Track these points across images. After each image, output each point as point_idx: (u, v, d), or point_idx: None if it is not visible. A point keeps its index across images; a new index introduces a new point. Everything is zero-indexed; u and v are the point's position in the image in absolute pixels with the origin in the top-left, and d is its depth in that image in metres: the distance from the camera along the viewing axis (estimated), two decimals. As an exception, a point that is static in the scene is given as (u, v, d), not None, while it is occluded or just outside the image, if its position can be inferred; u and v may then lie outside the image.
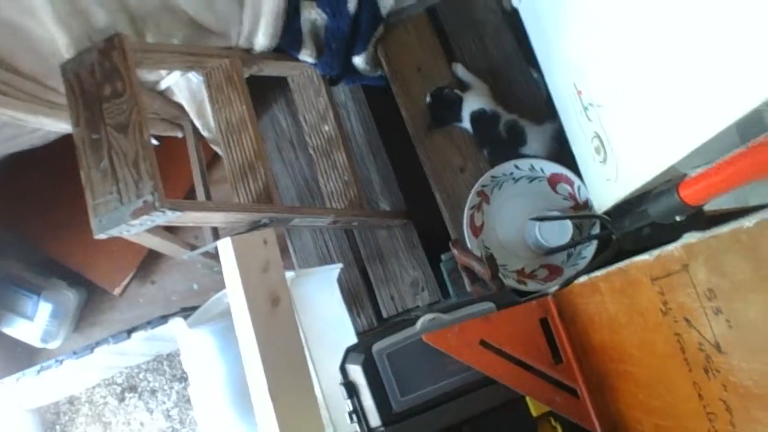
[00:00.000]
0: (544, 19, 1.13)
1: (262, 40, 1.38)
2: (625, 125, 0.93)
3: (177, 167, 1.77)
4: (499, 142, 1.43)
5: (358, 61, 1.52)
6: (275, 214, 1.27)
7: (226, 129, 1.36)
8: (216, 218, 1.22)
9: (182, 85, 1.49)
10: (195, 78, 1.45)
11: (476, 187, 1.40)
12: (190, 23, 1.30)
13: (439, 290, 1.59)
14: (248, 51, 1.42)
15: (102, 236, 1.13)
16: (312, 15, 1.42)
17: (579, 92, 1.06)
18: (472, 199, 1.40)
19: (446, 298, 1.60)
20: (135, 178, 1.11)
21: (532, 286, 1.36)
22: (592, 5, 0.90)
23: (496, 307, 0.99)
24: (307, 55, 1.46)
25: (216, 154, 1.77)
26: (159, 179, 1.10)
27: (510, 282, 1.37)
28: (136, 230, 1.15)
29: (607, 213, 1.14)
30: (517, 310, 0.96)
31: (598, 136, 1.04)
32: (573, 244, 1.05)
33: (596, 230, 1.35)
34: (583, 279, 0.85)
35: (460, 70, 1.51)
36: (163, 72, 1.41)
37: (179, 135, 1.71)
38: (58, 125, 1.34)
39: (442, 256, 1.59)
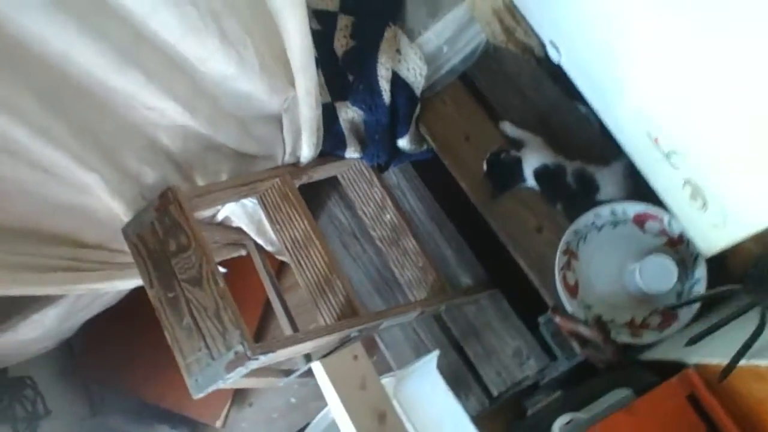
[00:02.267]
0: (598, 70, 1.06)
1: (306, 152, 1.36)
2: (725, 170, 0.85)
3: (247, 283, 1.75)
4: (571, 195, 1.35)
5: (403, 143, 1.49)
6: (363, 325, 1.22)
7: (293, 247, 1.33)
8: (307, 347, 1.17)
9: (238, 211, 1.48)
10: (250, 202, 1.43)
11: (561, 245, 1.32)
12: (235, 156, 1.29)
13: (544, 355, 1.49)
14: (295, 165, 1.40)
15: (201, 395, 1.10)
16: (349, 114, 1.40)
17: (655, 140, 0.99)
18: (559, 259, 1.32)
19: (553, 361, 1.50)
20: (220, 330, 1.08)
21: (648, 337, 1.26)
22: (666, 56, 0.83)
23: (633, 393, 0.91)
24: (352, 152, 1.44)
25: (283, 262, 1.75)
26: (244, 327, 1.07)
27: (623, 338, 1.27)
28: (233, 380, 1.11)
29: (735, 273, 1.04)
30: (660, 393, 0.88)
31: (690, 182, 0.96)
32: (700, 298, 0.93)
33: (702, 267, 1.24)
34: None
35: (508, 128, 1.46)
36: (219, 205, 1.40)
37: (243, 254, 1.70)
38: (131, 282, 1.34)
39: (540, 319, 1.50)
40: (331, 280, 1.26)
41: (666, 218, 1.29)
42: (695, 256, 1.27)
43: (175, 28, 0.99)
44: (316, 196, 1.70)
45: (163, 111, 1.12)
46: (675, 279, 1.23)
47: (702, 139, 0.86)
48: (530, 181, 1.38)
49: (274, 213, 1.36)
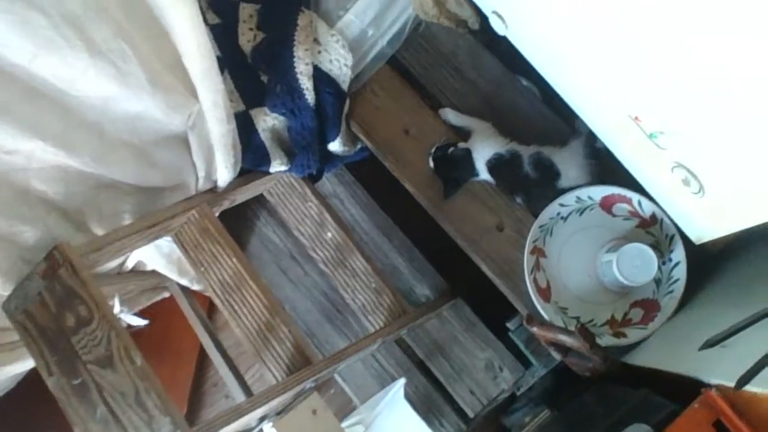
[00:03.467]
0: (558, 40, 0.90)
1: (224, 175, 1.14)
2: (728, 152, 0.71)
3: (176, 326, 1.51)
4: (530, 184, 1.20)
5: (335, 146, 1.29)
6: (318, 374, 1.03)
7: (222, 291, 1.12)
8: (258, 413, 0.98)
9: (151, 254, 1.24)
10: (164, 241, 1.20)
11: (527, 245, 1.18)
12: (136, 192, 1.06)
13: (518, 363, 1.36)
14: (212, 190, 1.18)
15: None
16: (269, 122, 1.19)
17: (635, 118, 0.84)
18: (527, 260, 1.17)
19: (528, 368, 1.37)
20: (145, 419, 0.87)
21: (633, 335, 1.14)
22: (654, 28, 0.67)
23: (653, 430, 0.78)
24: (278, 165, 1.22)
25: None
26: (175, 410, 0.87)
27: (606, 340, 1.14)
28: (172, 475, 0.90)
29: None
30: (683, 425, 0.75)
31: (682, 166, 0.82)
32: (743, 326, 0.77)
33: (680, 248, 1.13)
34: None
35: (451, 115, 1.28)
36: (126, 253, 1.16)
37: (166, 295, 1.46)
38: (27, 364, 1.09)
39: (509, 325, 1.36)
40: (274, 326, 1.06)
41: (635, 198, 1.16)
42: (671, 237, 1.15)
43: (22, 44, 0.74)
44: (242, 218, 1.48)
45: (29, 153, 0.88)
46: (655, 267, 1.11)
47: (700, 114, 0.72)
48: (483, 174, 1.22)
49: (195, 253, 1.14)
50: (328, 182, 1.45)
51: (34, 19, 0.73)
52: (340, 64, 1.17)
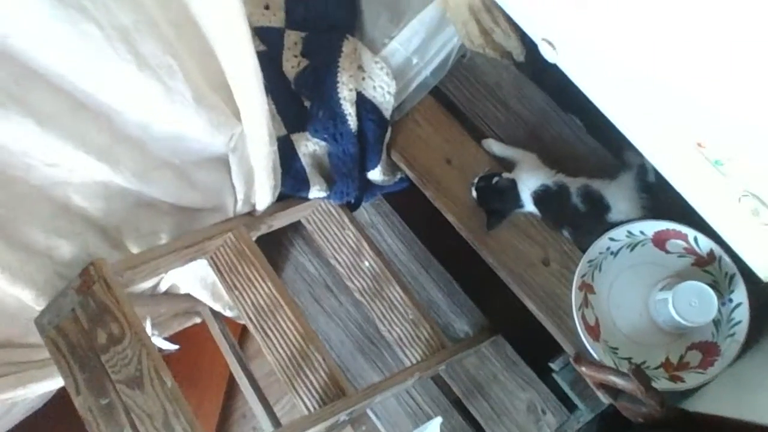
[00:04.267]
0: (617, 67, 0.87)
1: (263, 198, 1.13)
2: None
3: (205, 353, 1.48)
4: (578, 217, 1.15)
5: (375, 175, 1.27)
6: (353, 407, 0.98)
7: (256, 316, 1.09)
8: (288, 446, 0.93)
9: (186, 276, 1.23)
10: (200, 264, 1.18)
11: (575, 280, 1.12)
12: (174, 211, 1.05)
13: (561, 406, 1.28)
14: (250, 214, 1.16)
15: None
16: (310, 147, 1.17)
17: (698, 144, 0.79)
18: (575, 296, 1.11)
19: (573, 413, 1.28)
20: (172, 444, 0.83)
21: (691, 380, 1.06)
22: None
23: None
24: (318, 191, 1.20)
25: (244, 327, 1.50)
26: (202, 435, 0.82)
27: (662, 384, 1.06)
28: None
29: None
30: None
31: (752, 194, 0.76)
32: None
33: (741, 287, 1.06)
34: None
35: (494, 146, 1.25)
36: (160, 274, 1.14)
37: (197, 321, 1.44)
38: (55, 383, 1.07)
39: (553, 365, 1.29)
40: (308, 354, 1.02)
41: (691, 235, 1.10)
42: (731, 276, 1.08)
43: (73, 55, 0.75)
44: (277, 245, 1.46)
45: (71, 166, 0.87)
46: (715, 307, 1.04)
47: None
48: (528, 206, 1.18)
49: (230, 276, 1.11)
50: (366, 212, 1.43)
51: (89, 30, 0.74)
52: (383, 92, 1.16)
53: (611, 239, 1.13)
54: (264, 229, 1.21)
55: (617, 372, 1.04)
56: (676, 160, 0.89)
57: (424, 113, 1.29)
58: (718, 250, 1.09)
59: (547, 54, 1.00)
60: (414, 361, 1.19)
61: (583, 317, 1.12)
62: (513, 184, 1.17)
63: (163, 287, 1.22)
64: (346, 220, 1.28)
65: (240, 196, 1.10)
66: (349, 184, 1.22)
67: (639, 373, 1.01)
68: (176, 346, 1.29)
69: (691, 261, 1.12)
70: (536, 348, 1.32)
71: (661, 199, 1.14)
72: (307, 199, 1.23)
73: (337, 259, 1.29)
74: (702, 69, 0.70)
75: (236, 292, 1.11)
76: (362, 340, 1.39)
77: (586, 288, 1.14)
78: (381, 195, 1.40)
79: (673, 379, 1.08)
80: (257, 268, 1.09)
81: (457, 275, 1.41)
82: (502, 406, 1.28)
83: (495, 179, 1.17)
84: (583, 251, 1.16)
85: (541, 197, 1.16)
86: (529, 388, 1.29)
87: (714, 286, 1.10)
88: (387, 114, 1.20)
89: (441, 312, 1.36)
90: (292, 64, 1.20)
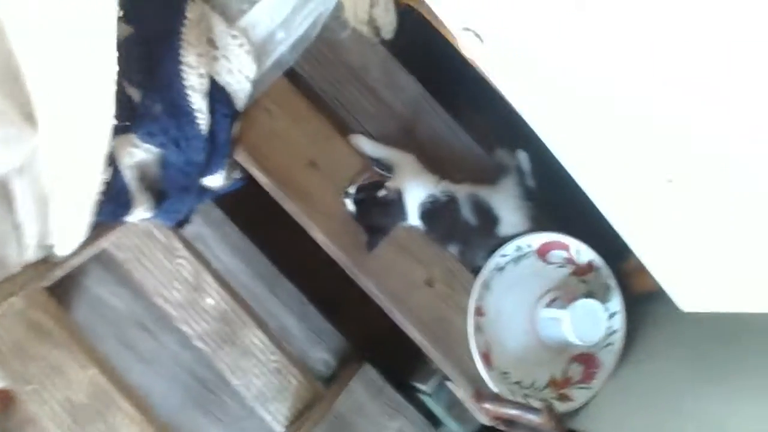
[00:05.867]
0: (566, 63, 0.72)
1: (70, 238, 0.74)
2: None
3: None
4: (469, 233, 1.02)
5: (214, 180, 0.95)
6: None
7: (72, 422, 0.73)
8: None
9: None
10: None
11: (470, 307, 1.00)
12: None
13: (429, 426, 1.18)
14: (45, 260, 0.76)
15: None
16: (136, 156, 0.80)
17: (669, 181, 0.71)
18: (471, 324, 0.99)
19: (438, 429, 1.20)
20: None
21: (579, 397, 1.04)
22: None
23: None
24: (143, 212, 0.85)
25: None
26: None
27: (555, 407, 1.02)
28: None
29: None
30: None
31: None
32: None
33: (617, 298, 1.05)
34: None
35: (365, 144, 1.04)
36: None
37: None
38: None
39: (421, 386, 1.17)
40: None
41: (574, 245, 1.06)
42: (607, 286, 1.08)
43: None
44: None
45: None
46: (605, 322, 1.02)
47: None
48: (412, 219, 1.01)
49: (18, 362, 0.72)
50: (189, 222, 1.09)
51: None
52: (241, 77, 0.84)
53: (502, 255, 1.03)
54: (60, 274, 0.82)
55: (525, 407, 0.97)
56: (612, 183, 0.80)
57: (278, 100, 0.99)
58: (597, 261, 1.07)
59: (468, 48, 0.81)
60: (283, 418, 0.95)
61: (477, 344, 1.01)
62: (400, 196, 0.98)
63: None
64: (178, 244, 0.95)
65: (30, 240, 0.70)
66: (185, 201, 0.88)
67: (550, 410, 0.95)
68: None
69: (569, 271, 1.09)
70: (398, 365, 1.20)
71: (542, 206, 1.08)
72: (123, 223, 0.87)
73: (165, 298, 0.96)
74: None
75: (29, 388, 0.72)
76: (195, 388, 1.08)
77: (476, 311, 1.03)
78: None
79: (561, 398, 1.04)
80: (67, 347, 0.72)
81: (306, 287, 1.19)
82: (371, 440, 1.13)
83: (381, 192, 0.96)
84: (471, 268, 1.05)
85: (429, 211, 0.99)
86: (398, 415, 1.16)
87: (590, 295, 1.09)
88: (240, 105, 0.89)
89: (294, 341, 1.13)
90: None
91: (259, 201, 1.04)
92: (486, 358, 1.02)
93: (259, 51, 0.86)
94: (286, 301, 1.14)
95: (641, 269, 1.05)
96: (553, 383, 1.06)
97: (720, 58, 0.53)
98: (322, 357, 1.14)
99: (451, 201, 1.00)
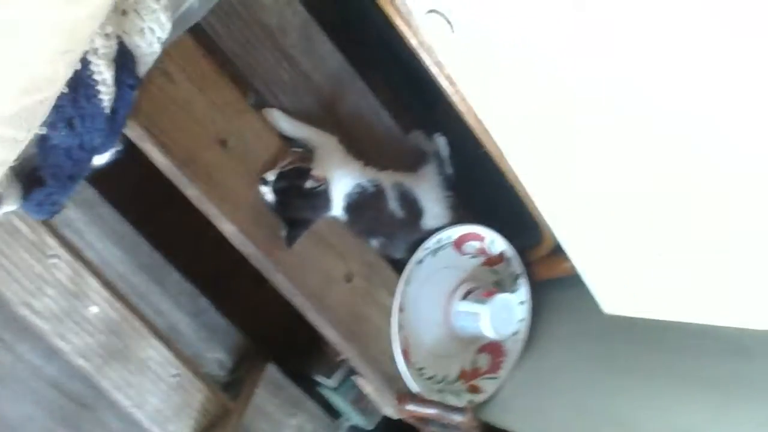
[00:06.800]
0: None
1: None
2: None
3: None
4: (395, 226, 0.95)
5: (99, 160, 0.76)
6: None
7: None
8: None
9: None
10: None
11: (395, 306, 0.94)
12: None
13: (327, 417, 1.13)
14: None
15: None
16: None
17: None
18: (396, 324, 0.94)
19: (337, 418, 1.15)
20: None
21: (488, 387, 1.05)
22: None
23: None
24: (10, 204, 0.65)
25: None
26: None
27: (465, 399, 1.01)
28: None
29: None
30: None
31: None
32: None
33: (525, 287, 1.06)
34: None
35: (282, 120, 0.90)
36: None
37: None
38: None
39: (325, 380, 1.09)
40: None
41: (489, 237, 1.05)
42: (516, 276, 1.08)
43: None
44: None
45: None
46: (519, 316, 1.03)
47: None
48: (336, 210, 0.90)
49: None
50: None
51: None
52: (153, 38, 0.66)
53: (424, 249, 0.98)
54: None
55: (447, 407, 0.95)
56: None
57: (181, 63, 0.81)
58: (509, 252, 1.07)
59: (433, 35, 0.72)
60: (185, 440, 0.83)
61: (400, 343, 0.96)
62: (327, 187, 0.87)
63: None
64: (50, 240, 0.75)
65: None
66: (66, 190, 0.69)
67: (474, 415, 0.94)
68: None
69: (481, 261, 1.07)
70: (295, 357, 1.11)
71: (459, 195, 1.04)
72: (-22, 217, 0.65)
73: (33, 309, 0.75)
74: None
75: None
76: (65, 406, 0.89)
77: (401, 309, 0.97)
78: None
79: (472, 390, 1.04)
80: None
81: (191, 273, 1.03)
82: (271, 442, 1.04)
83: (308, 182, 0.84)
84: (390, 260, 0.98)
85: (356, 202, 0.90)
86: (298, 412, 1.08)
87: (499, 284, 1.09)
88: (143, 71, 0.70)
89: (184, 340, 0.98)
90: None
91: (132, 174, 0.87)
92: (405, 355, 0.97)
93: (172, 4, 0.67)
94: (174, 294, 0.98)
95: (546, 258, 1.09)
96: (463, 375, 1.05)
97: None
98: (217, 357, 1.01)
99: (379, 192, 0.92)
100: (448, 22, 0.70)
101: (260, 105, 0.90)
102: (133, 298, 0.92)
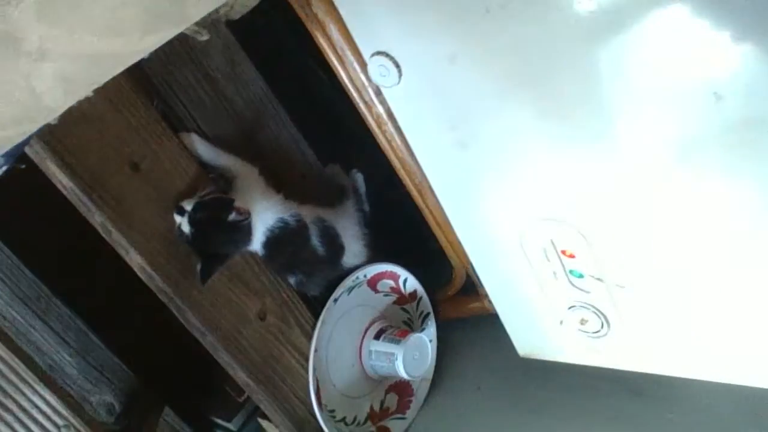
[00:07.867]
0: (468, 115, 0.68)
1: None
2: (653, 316, 0.71)
3: None
4: (314, 263, 0.91)
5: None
6: None
7: None
8: None
9: None
10: None
11: (313, 345, 0.90)
12: None
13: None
14: None
15: None
16: None
17: (562, 252, 0.73)
18: (312, 367, 0.90)
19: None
20: None
21: (397, 427, 1.03)
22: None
23: None
24: None
25: None
26: None
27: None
28: None
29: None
30: None
31: (594, 308, 0.76)
32: None
33: (432, 326, 1.07)
34: None
35: (199, 146, 0.84)
36: None
37: None
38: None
39: (225, 423, 1.02)
40: None
41: (403, 276, 1.05)
42: (425, 315, 1.09)
43: None
44: None
45: None
46: (431, 356, 1.03)
47: (649, 280, 0.67)
48: (255, 245, 0.85)
49: None
50: None
51: None
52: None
53: (342, 287, 0.95)
54: None
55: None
56: (503, 246, 0.79)
57: (94, 77, 0.73)
58: (420, 291, 1.07)
59: (379, 76, 0.71)
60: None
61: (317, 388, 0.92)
62: (250, 221, 0.81)
63: None
64: None
65: None
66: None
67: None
68: None
69: (393, 299, 1.07)
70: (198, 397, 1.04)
71: (376, 234, 1.03)
72: None
73: None
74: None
75: None
76: None
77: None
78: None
79: (380, 431, 1.02)
80: None
81: (84, 308, 0.92)
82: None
83: (231, 214, 0.78)
84: (305, 297, 0.94)
85: (277, 237, 0.85)
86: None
87: (408, 323, 1.09)
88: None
89: (69, 380, 0.87)
90: None
91: (15, 192, 0.77)
92: (318, 397, 0.93)
93: None
94: (59, 328, 0.87)
95: (454, 297, 1.11)
96: (372, 416, 1.03)
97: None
98: (105, 399, 0.90)
99: (301, 227, 0.88)
100: (396, 65, 0.69)
101: (166, 113, 0.83)
102: (10, 333, 0.80)
